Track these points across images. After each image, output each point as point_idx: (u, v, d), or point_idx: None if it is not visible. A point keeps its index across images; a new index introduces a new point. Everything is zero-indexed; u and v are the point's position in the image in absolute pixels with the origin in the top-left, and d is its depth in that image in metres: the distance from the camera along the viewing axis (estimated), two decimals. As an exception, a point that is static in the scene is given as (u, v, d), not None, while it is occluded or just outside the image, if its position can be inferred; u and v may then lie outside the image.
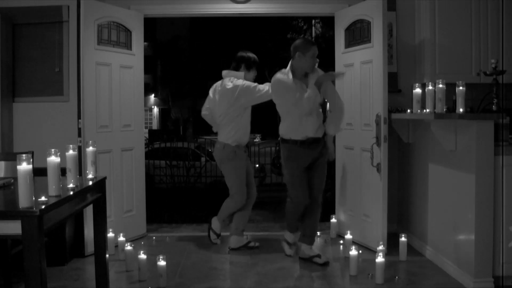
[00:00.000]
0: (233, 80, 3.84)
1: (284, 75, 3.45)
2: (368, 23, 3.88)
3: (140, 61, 4.33)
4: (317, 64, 3.46)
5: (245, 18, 4.83)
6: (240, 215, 3.92)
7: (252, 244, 3.95)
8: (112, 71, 4.04)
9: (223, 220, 4.08)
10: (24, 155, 1.92)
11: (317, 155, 3.51)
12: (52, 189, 2.12)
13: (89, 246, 3.72)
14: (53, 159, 2.11)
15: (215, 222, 4.05)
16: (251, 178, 4.03)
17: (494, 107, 3.43)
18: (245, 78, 3.87)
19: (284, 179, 3.57)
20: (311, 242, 3.63)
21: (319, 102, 3.49)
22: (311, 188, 3.53)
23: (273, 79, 3.48)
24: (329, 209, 4.63)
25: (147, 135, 11.06)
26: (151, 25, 20.75)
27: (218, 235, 4.07)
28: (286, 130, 3.49)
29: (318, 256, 3.56)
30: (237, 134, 3.84)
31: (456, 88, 3.11)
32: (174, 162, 7.58)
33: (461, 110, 3.05)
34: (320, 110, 3.55)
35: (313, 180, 3.54)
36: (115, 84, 4.07)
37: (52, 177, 2.12)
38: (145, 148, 4.83)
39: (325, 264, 3.52)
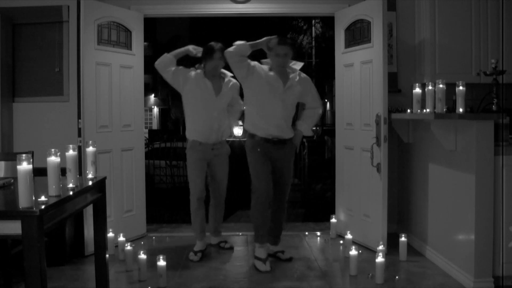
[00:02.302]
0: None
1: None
2: (368, 23, 3.88)
3: (140, 61, 4.34)
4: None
5: (245, 18, 4.82)
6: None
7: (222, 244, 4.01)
8: (112, 71, 4.04)
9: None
10: (24, 155, 1.91)
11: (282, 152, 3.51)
12: (52, 189, 2.12)
13: (89, 246, 3.72)
14: (53, 159, 2.11)
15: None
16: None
17: (494, 107, 3.43)
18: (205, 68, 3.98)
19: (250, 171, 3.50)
20: (275, 242, 3.68)
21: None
22: (277, 182, 3.51)
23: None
24: (329, 209, 4.63)
25: (147, 135, 11.03)
26: (151, 25, 20.71)
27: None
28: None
29: (282, 252, 3.65)
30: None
31: (456, 88, 3.11)
32: (174, 162, 7.56)
33: (461, 110, 3.05)
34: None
35: (277, 175, 3.52)
36: (115, 84, 4.07)
37: (52, 177, 2.12)
38: (145, 148, 4.83)
39: (288, 260, 3.60)
